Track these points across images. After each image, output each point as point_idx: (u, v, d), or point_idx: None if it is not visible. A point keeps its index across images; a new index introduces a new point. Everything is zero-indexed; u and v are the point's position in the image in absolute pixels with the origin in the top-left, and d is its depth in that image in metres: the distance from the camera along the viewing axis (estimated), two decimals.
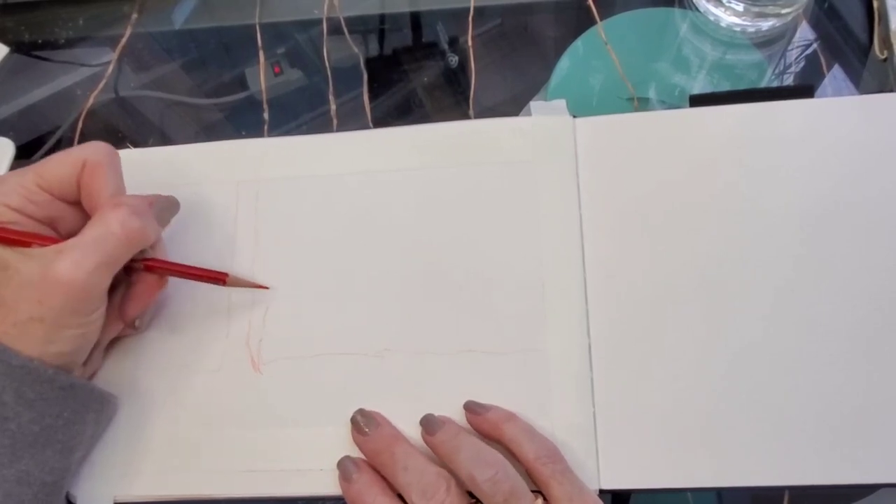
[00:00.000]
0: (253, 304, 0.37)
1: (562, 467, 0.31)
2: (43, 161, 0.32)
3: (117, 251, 0.31)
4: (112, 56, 0.49)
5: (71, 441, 0.32)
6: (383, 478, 0.32)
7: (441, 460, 0.31)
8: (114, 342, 0.37)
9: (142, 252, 0.33)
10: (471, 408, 0.33)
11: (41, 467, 0.30)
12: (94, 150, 0.33)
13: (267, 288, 0.37)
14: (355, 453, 0.33)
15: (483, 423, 0.33)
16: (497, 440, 0.32)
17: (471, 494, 0.30)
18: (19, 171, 0.32)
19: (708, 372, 0.34)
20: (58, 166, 0.32)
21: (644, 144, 0.38)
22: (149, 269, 0.34)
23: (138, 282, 0.34)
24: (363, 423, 0.33)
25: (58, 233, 0.33)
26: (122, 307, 0.34)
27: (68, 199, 0.33)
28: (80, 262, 0.30)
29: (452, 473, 0.31)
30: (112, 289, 0.33)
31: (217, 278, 0.35)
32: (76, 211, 0.33)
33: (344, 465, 0.32)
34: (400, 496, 0.31)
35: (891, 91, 0.42)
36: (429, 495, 0.29)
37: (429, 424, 0.33)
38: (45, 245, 0.31)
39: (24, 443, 0.30)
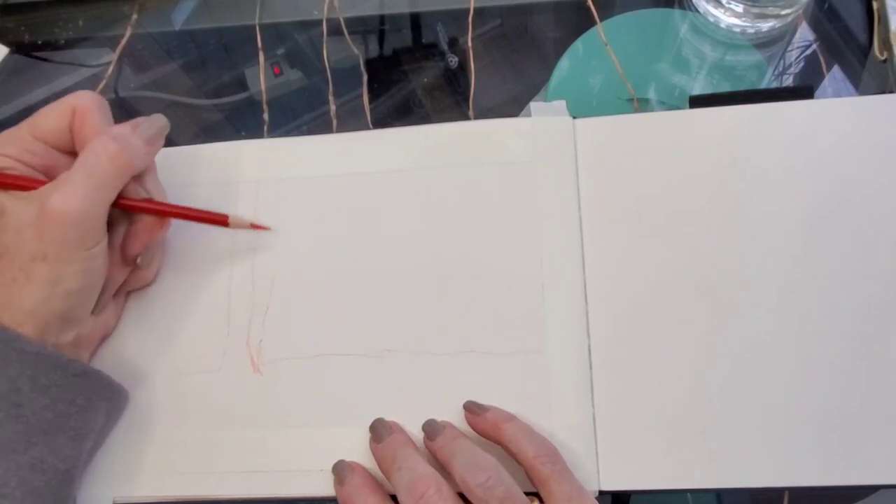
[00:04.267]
0: (253, 304, 0.37)
1: (560, 467, 0.30)
2: (35, 114, 0.33)
3: (107, 176, 0.32)
4: (112, 57, 0.49)
5: (83, 428, 0.32)
6: (382, 481, 0.32)
7: (439, 465, 0.31)
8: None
9: (139, 184, 0.34)
10: (470, 408, 0.33)
11: (55, 454, 0.31)
12: (83, 97, 0.34)
13: (268, 228, 0.37)
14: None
15: (482, 423, 0.33)
16: (496, 440, 0.32)
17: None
18: (13, 127, 0.33)
19: (708, 372, 0.34)
20: (49, 116, 0.33)
21: (644, 145, 0.38)
22: (148, 211, 0.34)
23: (138, 220, 0.35)
24: (381, 431, 0.33)
25: None
26: (123, 246, 0.35)
27: (63, 147, 0.34)
28: (72, 191, 0.31)
29: (449, 478, 0.30)
30: (113, 229, 0.34)
31: (218, 221, 0.36)
32: (73, 160, 0.34)
33: (338, 469, 0.33)
34: (396, 498, 0.31)
35: (891, 92, 0.42)
36: (416, 494, 0.29)
37: (430, 430, 0.33)
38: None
39: (37, 429, 0.30)
